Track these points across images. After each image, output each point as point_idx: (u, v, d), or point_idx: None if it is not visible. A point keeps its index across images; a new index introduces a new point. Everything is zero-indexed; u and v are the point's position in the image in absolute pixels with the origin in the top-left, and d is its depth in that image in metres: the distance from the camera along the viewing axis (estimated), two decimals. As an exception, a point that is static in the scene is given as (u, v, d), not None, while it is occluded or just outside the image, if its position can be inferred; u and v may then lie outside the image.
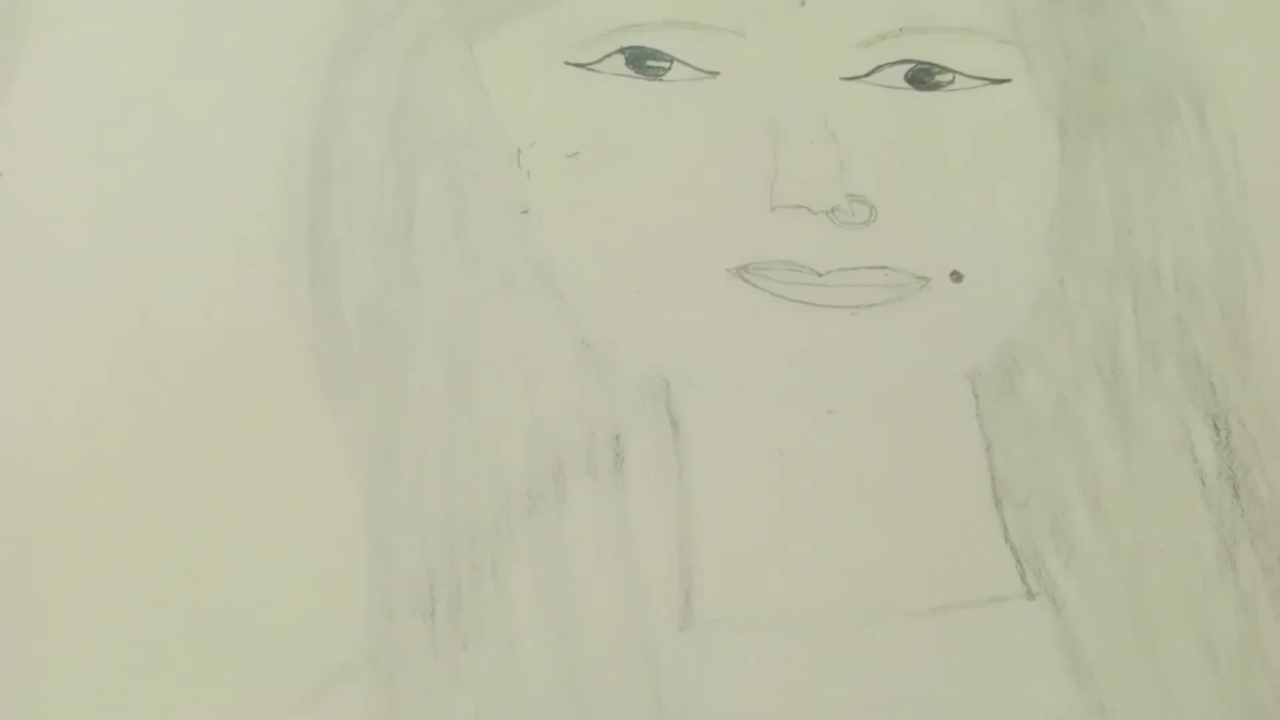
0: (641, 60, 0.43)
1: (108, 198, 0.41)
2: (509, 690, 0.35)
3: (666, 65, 0.43)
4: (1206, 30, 0.45)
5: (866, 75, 0.44)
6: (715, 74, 0.43)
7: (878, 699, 0.36)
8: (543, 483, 0.37)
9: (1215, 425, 0.39)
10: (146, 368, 0.38)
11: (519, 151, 0.42)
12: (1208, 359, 0.40)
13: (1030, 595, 0.37)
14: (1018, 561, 0.37)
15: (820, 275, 0.40)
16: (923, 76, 0.44)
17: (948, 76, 0.44)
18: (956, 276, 0.41)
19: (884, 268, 0.41)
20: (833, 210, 0.41)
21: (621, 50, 0.43)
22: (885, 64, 0.44)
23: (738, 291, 0.40)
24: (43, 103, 0.42)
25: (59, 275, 0.39)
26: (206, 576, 0.35)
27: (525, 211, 0.41)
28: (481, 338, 0.39)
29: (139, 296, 0.39)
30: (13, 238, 0.40)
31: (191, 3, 0.44)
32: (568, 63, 0.43)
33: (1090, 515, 0.38)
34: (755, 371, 0.39)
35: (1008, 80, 0.44)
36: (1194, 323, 0.41)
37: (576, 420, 0.38)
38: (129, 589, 0.35)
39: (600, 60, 0.43)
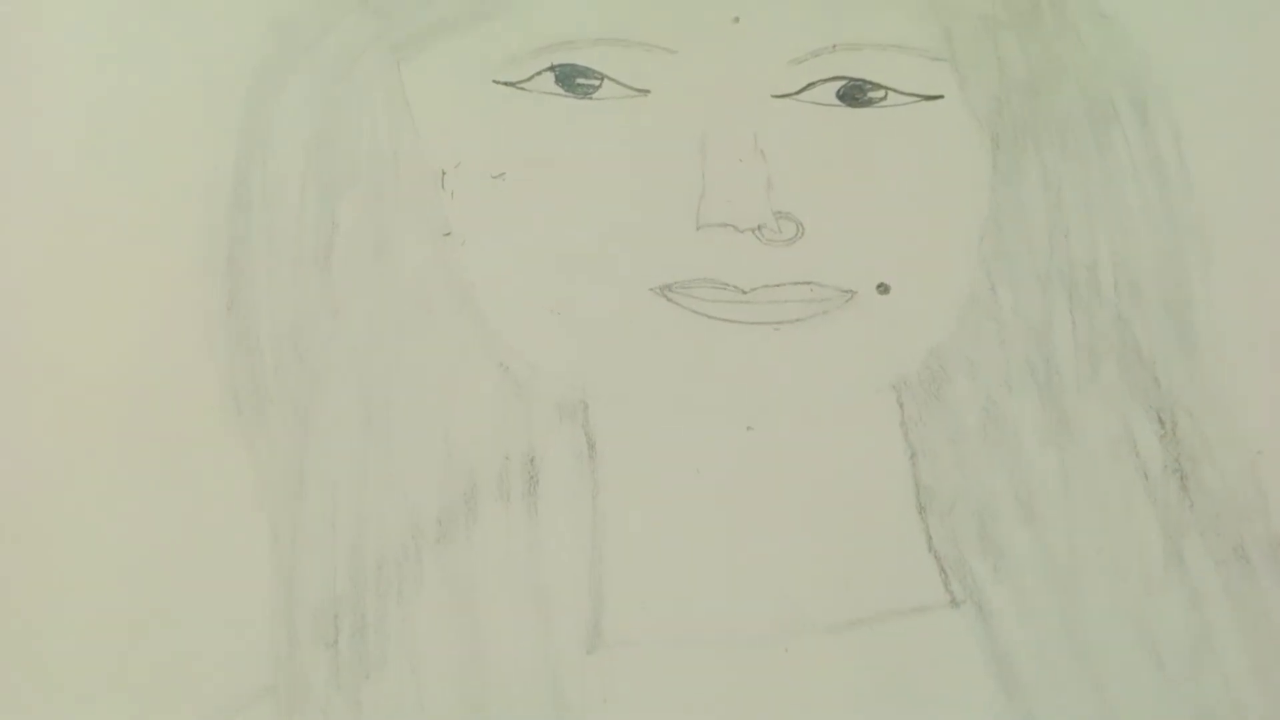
0: (571, 78, 0.43)
1: (26, 220, 0.40)
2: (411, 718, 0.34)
3: (597, 83, 0.43)
4: (1150, 32, 0.45)
5: (798, 93, 0.44)
6: (646, 92, 0.43)
7: (794, 717, 0.35)
8: (454, 508, 0.37)
9: (1160, 419, 0.39)
10: (60, 391, 0.38)
11: (443, 173, 0.42)
12: (1150, 354, 0.40)
13: (954, 603, 0.37)
14: (941, 569, 0.37)
15: (745, 293, 0.40)
16: (854, 94, 0.44)
17: (880, 93, 0.44)
18: (883, 289, 0.41)
19: (809, 283, 0.40)
20: (759, 228, 0.41)
21: (551, 68, 0.43)
22: (817, 81, 0.44)
23: (660, 310, 0.40)
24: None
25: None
26: (109, 601, 0.35)
27: (448, 234, 0.41)
28: (398, 363, 0.39)
29: (56, 318, 0.39)
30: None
31: (115, 28, 0.44)
32: (496, 81, 0.43)
33: (1021, 519, 0.37)
34: (675, 390, 0.39)
35: (940, 96, 0.44)
36: (1136, 319, 0.40)
37: (492, 444, 0.37)
38: (30, 612, 0.35)
39: (530, 79, 0.43)
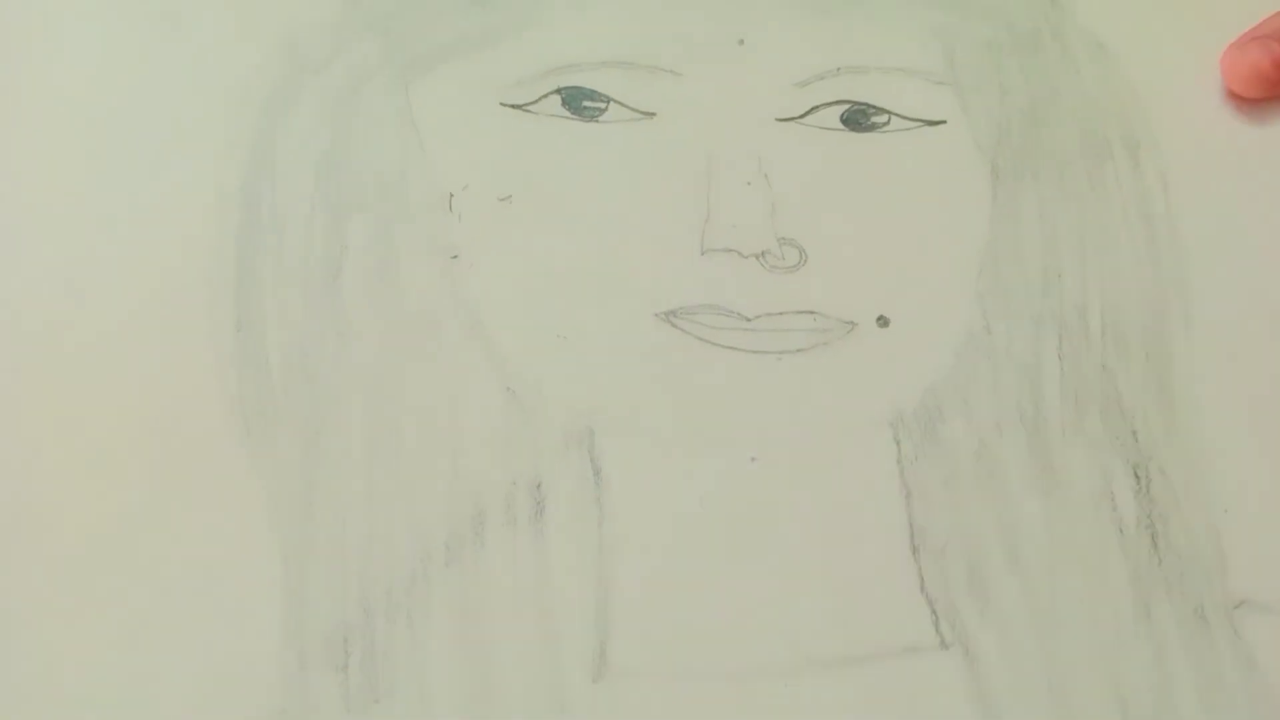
0: (578, 101, 0.43)
1: (34, 241, 0.41)
2: (420, 744, 0.35)
3: (603, 106, 0.43)
4: (1141, 74, 0.46)
5: (802, 116, 0.44)
6: (652, 115, 0.44)
7: (794, 755, 0.36)
8: (462, 533, 0.37)
9: (1136, 474, 0.39)
10: (65, 410, 0.38)
11: (451, 195, 0.42)
12: (1131, 406, 0.40)
13: (944, 646, 0.37)
14: (933, 611, 0.37)
15: (748, 320, 0.40)
16: (858, 118, 0.44)
17: (883, 118, 0.44)
18: (883, 321, 0.41)
19: (811, 312, 0.41)
20: (763, 254, 0.41)
21: (558, 90, 0.44)
22: (821, 104, 0.44)
23: (665, 336, 0.40)
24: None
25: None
26: (118, 623, 0.35)
27: (455, 257, 0.41)
28: (406, 386, 0.39)
29: (63, 336, 0.39)
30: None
31: (124, 49, 0.44)
32: (503, 104, 0.44)
33: (1007, 565, 0.38)
34: (680, 417, 0.39)
35: (943, 122, 0.44)
36: (1119, 369, 0.41)
37: (498, 469, 0.38)
38: (35, 634, 0.35)
39: (536, 101, 0.44)
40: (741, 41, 0.46)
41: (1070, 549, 0.38)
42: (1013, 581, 0.38)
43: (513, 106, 0.44)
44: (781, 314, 0.40)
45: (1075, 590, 0.38)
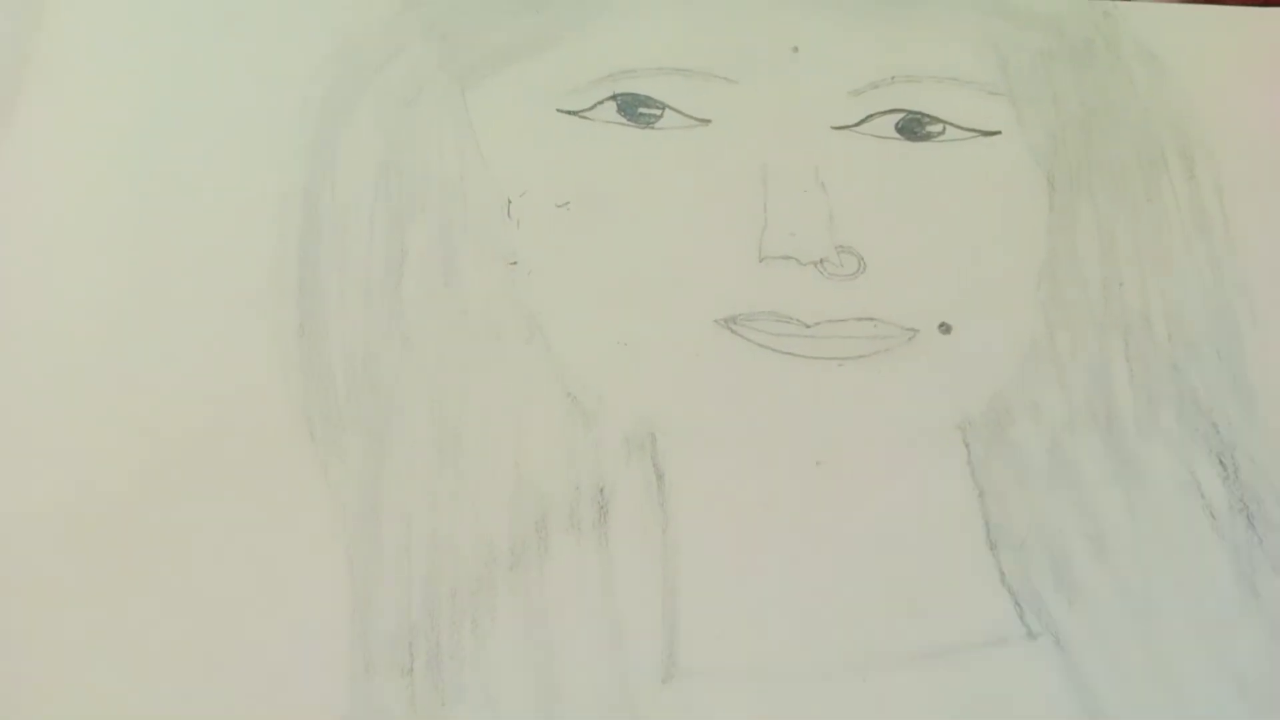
0: (634, 107, 0.44)
1: (99, 248, 0.41)
2: (488, 749, 0.35)
3: (658, 112, 0.44)
4: (1194, 84, 0.46)
5: (857, 124, 0.44)
6: (707, 121, 0.44)
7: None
8: (526, 537, 0.37)
9: (1221, 462, 0.39)
10: (134, 419, 0.38)
11: (509, 201, 0.42)
12: (1208, 402, 0.40)
13: (1031, 636, 0.37)
14: (1016, 603, 0.37)
15: (808, 327, 0.40)
16: (913, 126, 0.44)
17: (938, 127, 0.44)
18: (945, 328, 0.41)
19: (872, 319, 0.41)
20: (821, 261, 0.41)
21: (614, 97, 0.44)
22: (876, 113, 0.44)
23: (725, 343, 0.40)
24: (34, 152, 0.42)
25: (49, 325, 0.39)
26: (181, 630, 0.35)
27: (514, 263, 0.41)
28: (469, 390, 0.39)
29: (127, 344, 0.39)
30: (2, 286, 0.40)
31: (185, 52, 0.44)
32: (560, 110, 0.44)
33: (1093, 556, 0.38)
34: (742, 423, 0.39)
35: (998, 132, 0.44)
36: (1190, 368, 0.41)
37: (562, 474, 0.38)
38: (100, 642, 0.35)
39: (592, 107, 0.44)
40: (796, 49, 0.46)
41: (1159, 536, 0.38)
42: (1100, 570, 0.37)
43: (569, 113, 0.44)
44: (842, 321, 0.40)
45: (1170, 575, 0.37)
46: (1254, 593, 0.37)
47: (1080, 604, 0.37)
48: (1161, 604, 0.37)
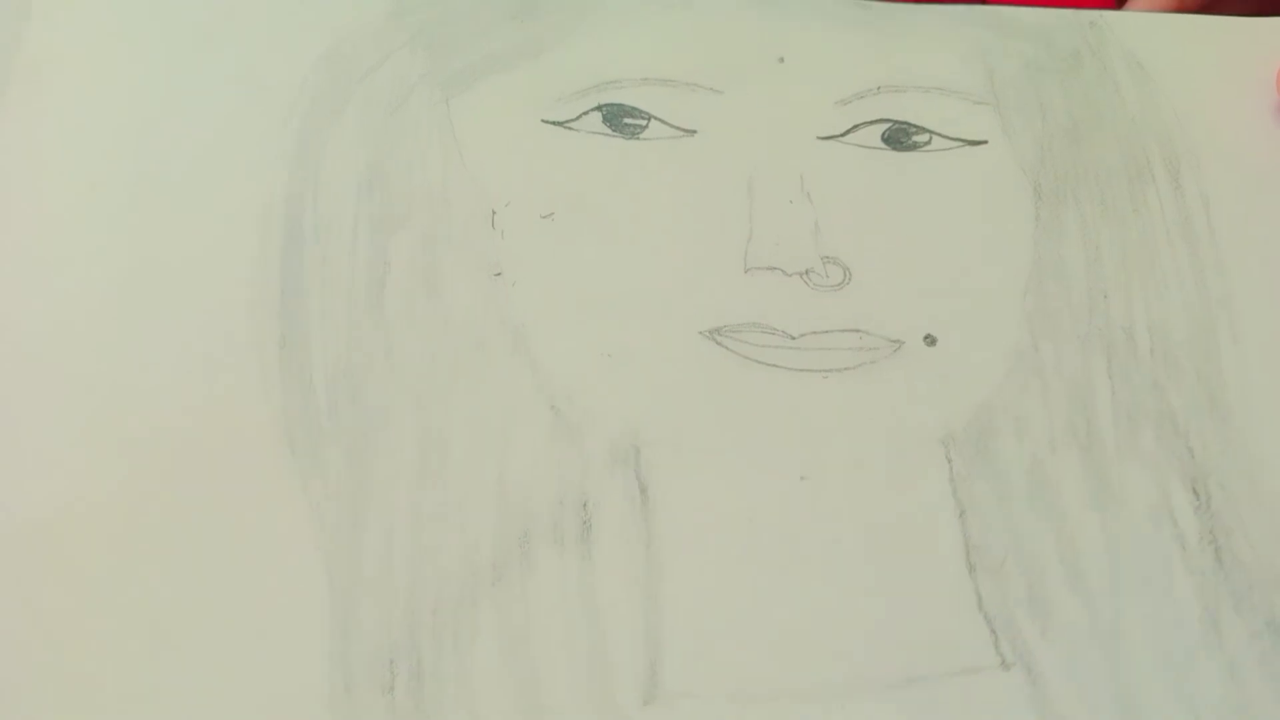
0: (619, 118, 0.43)
1: (79, 255, 0.40)
2: (469, 768, 0.34)
3: (644, 123, 0.43)
4: (1181, 93, 0.46)
5: (843, 134, 0.44)
6: (693, 132, 0.44)
7: (852, 777, 0.35)
8: (509, 553, 0.36)
9: (1194, 490, 0.39)
10: (111, 430, 0.37)
11: (494, 212, 0.42)
12: (1185, 424, 0.40)
13: (1005, 666, 0.36)
14: (992, 631, 0.37)
15: (793, 338, 0.40)
16: (899, 137, 0.44)
17: (924, 137, 0.44)
18: (930, 340, 0.41)
19: (857, 330, 0.40)
20: (807, 272, 0.41)
21: (599, 108, 0.44)
22: (862, 123, 0.44)
23: (710, 354, 0.40)
24: (13, 158, 0.42)
25: (25, 332, 0.39)
26: (161, 645, 0.35)
27: (498, 274, 0.41)
28: (452, 403, 0.38)
29: (107, 355, 0.39)
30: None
31: (168, 59, 0.44)
32: (544, 120, 0.44)
33: (1067, 582, 0.37)
34: (727, 436, 0.39)
35: (984, 142, 0.44)
36: (1171, 387, 0.40)
37: (545, 488, 0.37)
38: (78, 657, 0.34)
39: (577, 118, 0.44)
40: (782, 59, 0.46)
41: (1131, 566, 0.37)
42: (1074, 599, 0.37)
43: (553, 123, 0.43)
44: (827, 332, 0.40)
45: (1139, 607, 0.37)
46: (1216, 629, 0.37)
47: (1052, 634, 0.37)
48: (1129, 636, 0.37)
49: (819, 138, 0.44)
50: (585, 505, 0.37)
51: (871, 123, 0.44)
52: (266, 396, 0.38)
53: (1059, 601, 0.37)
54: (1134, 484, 0.39)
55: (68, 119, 0.42)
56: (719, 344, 0.40)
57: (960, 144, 0.44)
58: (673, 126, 0.43)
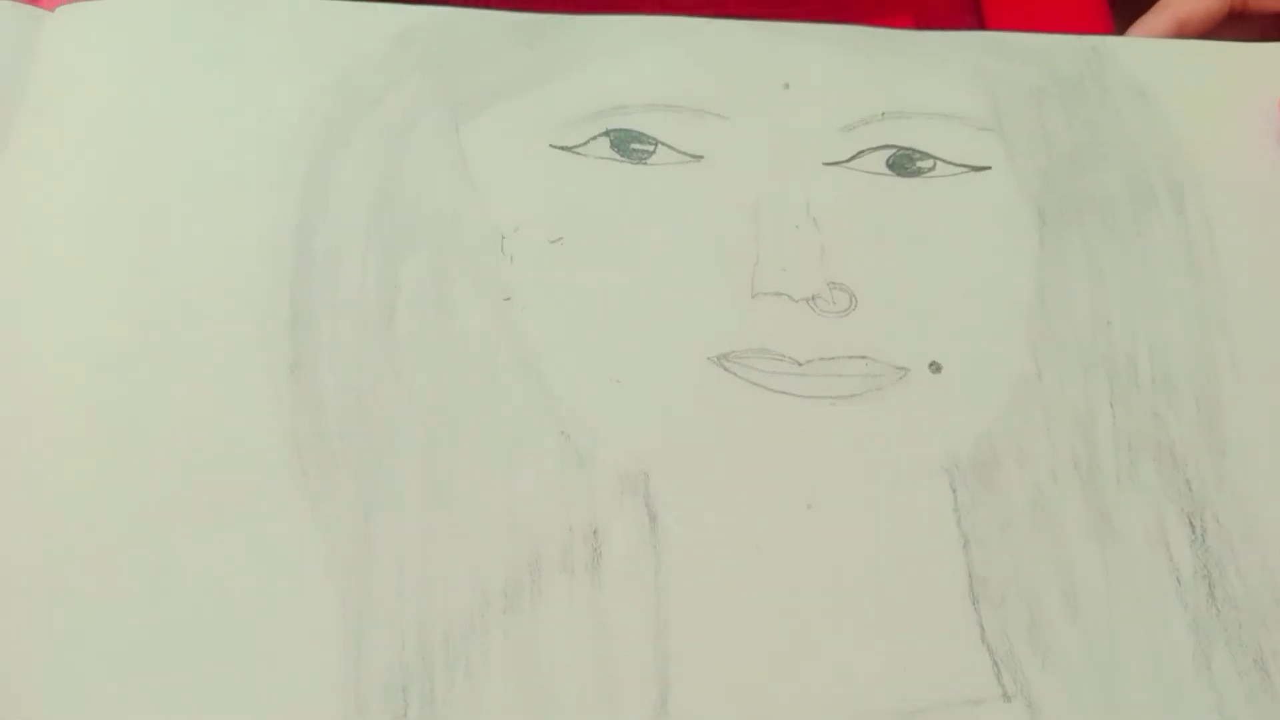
0: (626, 143, 0.44)
1: (90, 282, 0.40)
2: (482, 794, 0.34)
3: (651, 148, 0.44)
4: (1183, 120, 0.46)
5: (848, 160, 0.44)
6: (699, 158, 0.44)
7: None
8: (520, 579, 0.36)
9: (1191, 523, 0.39)
10: (123, 454, 0.38)
11: (503, 237, 0.42)
12: (1183, 454, 0.40)
13: (1007, 698, 0.36)
14: (994, 662, 0.37)
15: (800, 365, 0.40)
16: (904, 163, 0.44)
17: (929, 163, 0.44)
18: (935, 367, 0.41)
19: (864, 357, 0.41)
20: (813, 298, 0.41)
21: (606, 133, 0.44)
22: (867, 149, 0.44)
23: (718, 380, 0.40)
24: (24, 185, 0.42)
25: (35, 357, 0.39)
26: (172, 670, 0.35)
27: (508, 298, 0.41)
28: (462, 429, 0.39)
29: (119, 379, 0.39)
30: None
31: (178, 87, 0.44)
32: (553, 145, 0.44)
33: (1067, 615, 0.37)
34: (735, 463, 0.39)
35: (988, 168, 0.45)
36: (1170, 417, 0.41)
37: (555, 515, 0.37)
38: (89, 681, 0.35)
39: (585, 143, 0.44)
40: (787, 86, 0.46)
41: (1129, 599, 0.38)
42: (1073, 632, 0.37)
43: (562, 148, 0.44)
44: (834, 359, 0.40)
45: (1136, 641, 0.37)
46: (1207, 665, 0.37)
47: (1052, 666, 0.37)
48: (1125, 670, 0.37)
49: (824, 163, 0.44)
50: (595, 532, 0.37)
51: (876, 149, 0.44)
52: (278, 420, 0.38)
53: (1059, 633, 0.37)
54: (1133, 516, 0.39)
55: (79, 148, 0.42)
56: (727, 370, 0.40)
57: (964, 170, 0.45)
58: (679, 152, 0.44)
